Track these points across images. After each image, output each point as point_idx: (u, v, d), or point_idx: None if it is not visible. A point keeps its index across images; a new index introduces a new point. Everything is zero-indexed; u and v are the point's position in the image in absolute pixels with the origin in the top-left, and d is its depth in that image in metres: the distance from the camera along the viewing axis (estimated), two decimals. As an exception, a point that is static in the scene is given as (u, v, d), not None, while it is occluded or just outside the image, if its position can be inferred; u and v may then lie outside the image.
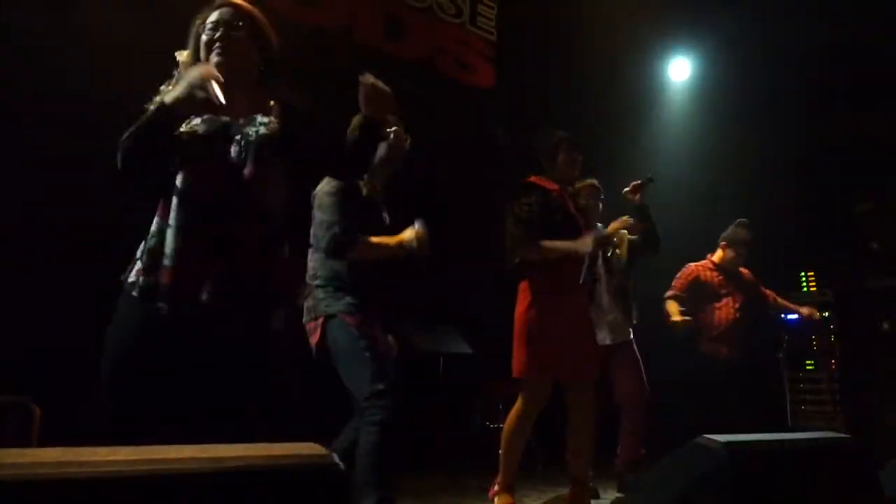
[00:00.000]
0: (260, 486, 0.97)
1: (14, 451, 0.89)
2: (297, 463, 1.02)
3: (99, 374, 1.69)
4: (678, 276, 4.46)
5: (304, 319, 2.59)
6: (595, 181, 3.86)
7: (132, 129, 1.71)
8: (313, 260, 2.60)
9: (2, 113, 3.25)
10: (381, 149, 2.61)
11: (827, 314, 5.35)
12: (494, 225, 3.28)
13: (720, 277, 4.40)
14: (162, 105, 1.70)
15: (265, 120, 1.88)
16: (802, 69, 5.70)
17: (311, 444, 1.10)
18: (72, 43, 3.45)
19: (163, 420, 1.68)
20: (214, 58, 1.83)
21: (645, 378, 3.87)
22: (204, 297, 1.70)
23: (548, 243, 2.99)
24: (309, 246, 2.64)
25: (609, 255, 3.92)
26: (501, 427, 3.17)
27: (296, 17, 4.69)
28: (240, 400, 1.78)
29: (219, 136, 1.81)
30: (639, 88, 6.84)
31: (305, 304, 2.60)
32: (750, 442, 1.75)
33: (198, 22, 1.90)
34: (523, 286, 3.13)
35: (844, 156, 5.83)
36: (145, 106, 1.77)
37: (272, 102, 1.94)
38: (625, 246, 3.94)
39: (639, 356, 3.93)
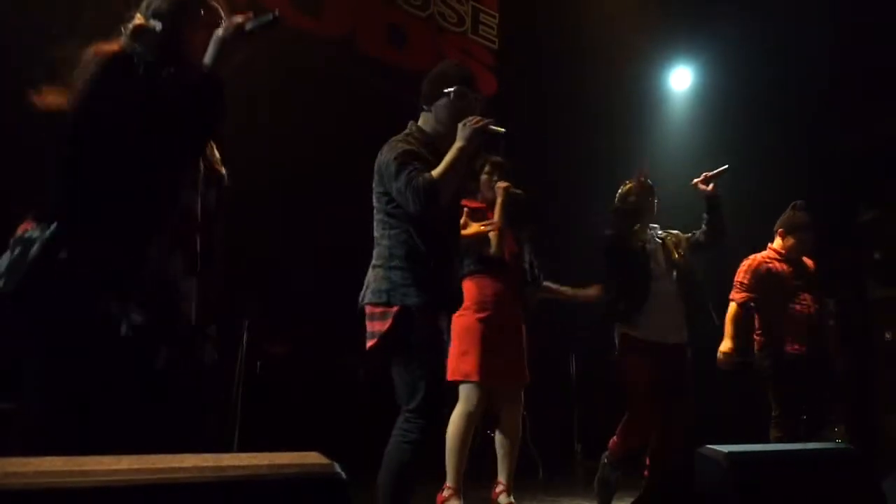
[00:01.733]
0: (262, 495, 0.97)
1: (17, 460, 0.89)
2: (300, 472, 1.02)
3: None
4: (742, 270, 3.91)
5: (366, 299, 2.31)
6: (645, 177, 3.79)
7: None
8: (384, 238, 2.34)
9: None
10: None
11: (830, 324, 5.35)
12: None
13: (790, 269, 3.88)
14: None
15: (217, 157, 1.91)
16: (804, 77, 5.71)
17: (314, 454, 1.10)
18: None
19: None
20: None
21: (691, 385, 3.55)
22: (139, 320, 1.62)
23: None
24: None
25: (675, 256, 3.64)
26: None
27: (299, 27, 4.71)
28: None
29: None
30: (640, 98, 6.84)
31: (371, 285, 2.32)
32: (753, 452, 1.74)
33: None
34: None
35: (847, 165, 5.84)
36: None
37: None
38: (684, 244, 3.68)
39: (688, 359, 3.56)
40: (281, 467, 1.00)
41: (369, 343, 2.27)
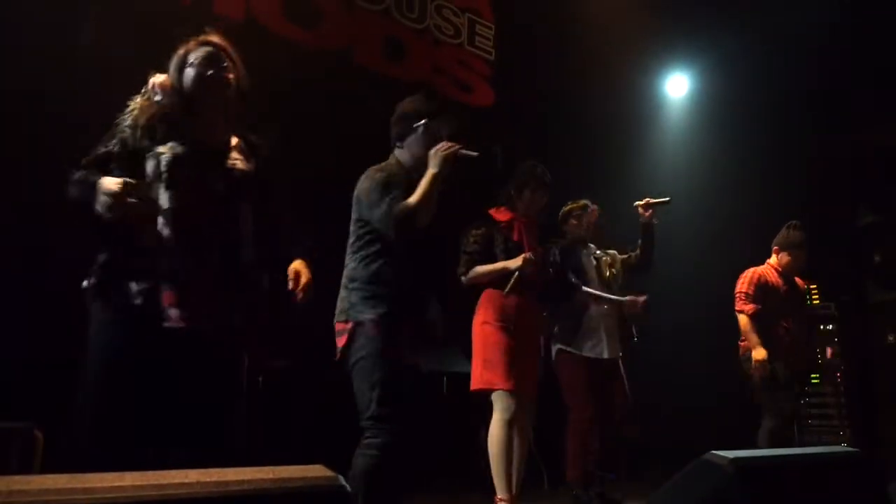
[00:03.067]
0: (267, 509, 0.97)
1: (20, 478, 0.88)
2: (304, 485, 1.02)
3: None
4: (743, 281, 4.02)
5: (335, 319, 2.53)
6: (587, 202, 3.92)
7: (76, 179, 1.82)
8: (352, 261, 2.53)
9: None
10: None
11: (831, 327, 5.34)
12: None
13: (785, 286, 4.06)
14: (100, 202, 1.75)
15: (238, 157, 2.00)
16: (802, 81, 5.72)
17: (318, 467, 1.10)
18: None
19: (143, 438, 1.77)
20: (209, 94, 1.94)
21: (629, 398, 3.80)
22: (204, 323, 1.80)
23: (479, 268, 3.33)
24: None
25: (607, 274, 3.89)
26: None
27: (296, 40, 4.73)
28: (214, 420, 1.92)
29: (196, 163, 1.89)
30: (637, 105, 6.86)
31: (338, 305, 2.52)
32: (758, 457, 1.73)
33: (181, 53, 2.00)
34: (481, 301, 3.40)
35: (846, 169, 5.84)
36: (113, 132, 1.89)
37: (235, 140, 2.05)
38: (619, 265, 3.93)
39: (625, 376, 3.83)
40: (285, 481, 1.00)
41: (337, 358, 2.48)
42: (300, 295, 2.02)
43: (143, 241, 1.80)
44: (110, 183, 1.74)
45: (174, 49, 2.02)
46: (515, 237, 3.41)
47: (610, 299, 3.76)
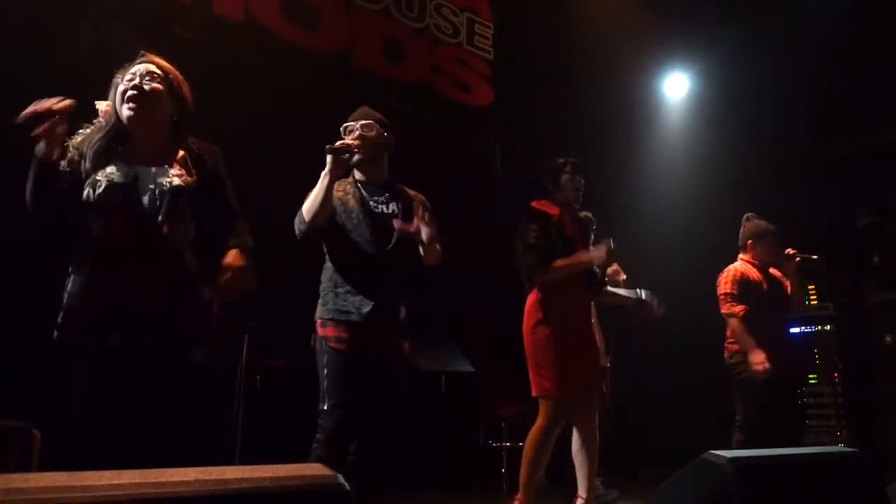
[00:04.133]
0: (265, 508, 0.97)
1: (18, 476, 0.88)
2: (302, 484, 1.01)
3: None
4: (725, 281, 3.92)
5: None
6: (589, 214, 3.90)
7: (28, 183, 1.88)
8: (325, 269, 2.68)
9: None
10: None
11: (829, 328, 5.34)
12: (493, 242, 3.33)
13: (764, 278, 3.94)
14: (35, 159, 1.86)
15: (177, 171, 2.02)
16: (802, 81, 5.72)
17: (316, 465, 1.10)
18: None
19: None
20: (125, 109, 1.99)
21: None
22: (114, 340, 1.86)
23: (561, 262, 3.13)
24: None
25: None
26: (505, 446, 3.18)
27: (296, 41, 4.73)
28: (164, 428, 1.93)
29: (133, 185, 1.95)
30: (636, 105, 6.87)
31: None
32: (756, 457, 1.73)
33: (118, 74, 2.07)
34: (532, 303, 3.21)
35: (845, 170, 5.84)
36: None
37: (181, 153, 2.07)
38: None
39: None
40: (284, 479, 1.00)
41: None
42: (221, 282, 1.98)
43: (90, 268, 1.89)
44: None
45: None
46: (568, 231, 3.25)
47: (638, 300, 3.71)
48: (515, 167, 5.51)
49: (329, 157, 2.49)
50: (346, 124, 2.74)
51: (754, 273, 3.93)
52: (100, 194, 1.90)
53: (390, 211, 2.65)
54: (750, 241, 4.02)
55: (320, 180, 2.50)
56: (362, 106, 2.81)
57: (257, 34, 4.45)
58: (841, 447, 3.97)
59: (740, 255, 4.05)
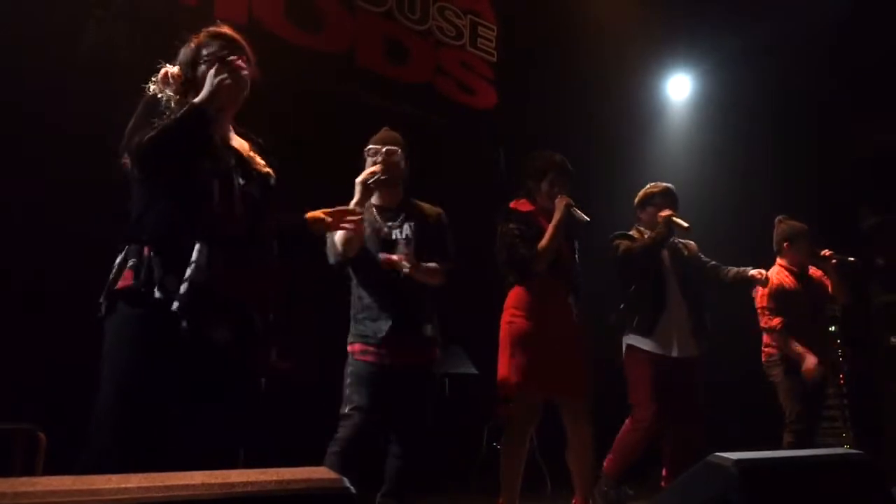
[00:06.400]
0: (271, 511, 0.97)
1: (25, 479, 0.88)
2: (308, 487, 1.01)
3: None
4: (763, 295, 3.88)
5: None
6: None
7: (154, 133, 1.70)
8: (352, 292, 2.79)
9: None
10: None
11: (833, 329, 5.33)
12: (497, 245, 3.33)
13: (800, 284, 3.92)
14: (192, 106, 1.74)
15: (261, 161, 1.99)
16: (805, 83, 5.72)
17: (322, 469, 1.10)
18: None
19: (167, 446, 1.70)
20: (229, 80, 1.84)
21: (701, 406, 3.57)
22: (228, 326, 1.76)
23: (541, 243, 3.10)
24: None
25: (675, 240, 3.72)
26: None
27: (298, 43, 4.74)
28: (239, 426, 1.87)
29: (227, 163, 1.87)
30: (638, 107, 6.85)
31: None
32: (761, 459, 1.73)
33: (193, 45, 1.95)
34: (509, 299, 3.21)
35: (849, 171, 5.83)
36: (148, 108, 1.81)
37: (246, 142, 2.02)
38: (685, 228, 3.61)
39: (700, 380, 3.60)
40: (289, 483, 1.00)
41: None
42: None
43: (191, 240, 1.72)
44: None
45: (183, 42, 1.98)
46: (544, 225, 3.19)
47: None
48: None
49: (359, 188, 2.57)
50: (369, 147, 2.77)
51: (789, 280, 3.94)
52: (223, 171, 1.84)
53: (403, 236, 2.69)
54: (786, 244, 4.01)
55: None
56: (384, 127, 2.85)
57: (260, 36, 4.46)
58: (846, 449, 3.97)
59: (777, 260, 4.06)
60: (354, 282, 2.75)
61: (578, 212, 3.11)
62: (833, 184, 5.82)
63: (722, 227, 5.97)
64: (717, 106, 6.63)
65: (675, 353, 3.50)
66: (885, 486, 1.96)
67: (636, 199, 3.86)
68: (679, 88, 7.18)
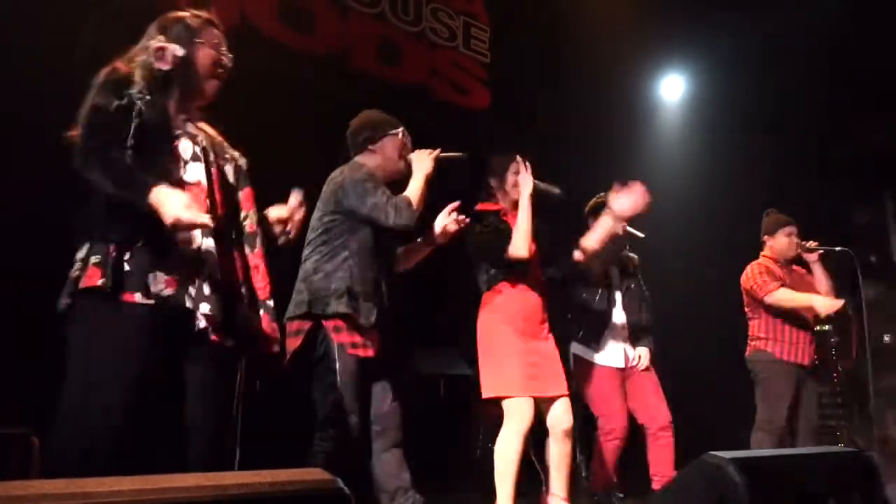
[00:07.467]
0: (265, 513, 0.97)
1: (18, 483, 0.88)
2: (302, 489, 1.01)
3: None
4: (754, 272, 3.88)
5: (288, 316, 2.54)
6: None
7: (105, 166, 1.69)
8: (315, 254, 2.60)
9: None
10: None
11: (827, 328, 5.34)
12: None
13: (786, 275, 3.91)
14: (144, 197, 1.62)
15: (231, 149, 1.99)
16: (799, 83, 5.73)
17: (316, 470, 1.09)
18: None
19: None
20: (215, 80, 1.90)
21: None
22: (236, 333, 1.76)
23: (515, 232, 3.02)
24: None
25: (622, 247, 3.69)
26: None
27: (291, 44, 4.73)
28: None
29: (209, 155, 1.86)
30: (632, 107, 6.86)
31: (295, 299, 2.55)
32: (756, 457, 1.74)
33: (190, 25, 1.90)
34: (486, 296, 3.16)
35: (842, 169, 5.85)
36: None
37: (214, 131, 2.00)
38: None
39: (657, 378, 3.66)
40: (283, 484, 1.00)
41: (286, 362, 2.61)
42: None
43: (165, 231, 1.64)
44: (174, 200, 1.58)
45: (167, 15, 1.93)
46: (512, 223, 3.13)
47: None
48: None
49: (432, 163, 2.68)
50: (399, 129, 2.84)
51: (777, 269, 3.91)
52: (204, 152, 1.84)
53: None
54: (770, 236, 4.01)
55: (424, 181, 2.65)
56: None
57: (252, 37, 4.45)
58: (841, 447, 3.98)
59: (762, 253, 4.04)
60: (341, 242, 2.63)
61: (545, 185, 3.04)
62: (828, 184, 5.83)
63: (716, 227, 6.00)
64: (711, 106, 6.64)
65: (621, 364, 3.59)
66: (880, 485, 1.96)
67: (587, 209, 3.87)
68: (672, 89, 7.18)
